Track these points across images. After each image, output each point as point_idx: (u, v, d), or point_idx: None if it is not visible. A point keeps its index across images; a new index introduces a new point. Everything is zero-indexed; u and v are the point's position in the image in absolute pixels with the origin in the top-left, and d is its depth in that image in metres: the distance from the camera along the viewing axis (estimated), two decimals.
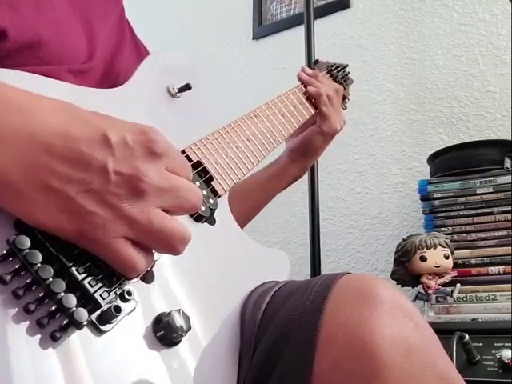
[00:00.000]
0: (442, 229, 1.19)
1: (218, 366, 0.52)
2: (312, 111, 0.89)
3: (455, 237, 1.17)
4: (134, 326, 0.46)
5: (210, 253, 0.59)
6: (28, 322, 0.39)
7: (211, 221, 0.61)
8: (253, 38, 1.88)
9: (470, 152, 1.23)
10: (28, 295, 0.39)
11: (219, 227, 0.62)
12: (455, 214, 1.19)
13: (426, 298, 1.07)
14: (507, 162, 1.18)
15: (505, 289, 1.07)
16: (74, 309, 0.41)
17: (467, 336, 0.87)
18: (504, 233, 1.13)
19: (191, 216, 0.58)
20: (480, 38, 1.47)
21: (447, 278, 1.09)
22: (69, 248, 0.42)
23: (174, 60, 0.70)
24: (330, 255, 1.56)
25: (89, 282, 0.42)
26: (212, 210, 0.62)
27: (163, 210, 0.42)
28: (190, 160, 0.62)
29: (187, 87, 0.66)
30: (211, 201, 0.62)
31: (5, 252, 0.40)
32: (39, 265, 0.40)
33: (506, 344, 0.87)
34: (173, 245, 0.43)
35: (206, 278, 0.56)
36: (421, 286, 1.09)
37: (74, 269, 0.42)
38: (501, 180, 1.16)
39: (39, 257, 0.40)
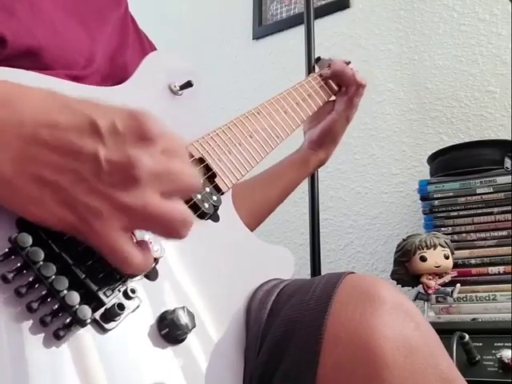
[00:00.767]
0: (442, 229, 1.19)
1: (224, 363, 0.52)
2: (315, 108, 0.89)
3: (455, 237, 1.17)
4: (138, 323, 0.46)
5: (214, 250, 0.59)
6: (31, 321, 0.39)
7: (215, 218, 0.61)
8: (253, 38, 1.88)
9: (469, 152, 1.23)
10: (31, 293, 0.39)
11: (223, 224, 0.62)
12: (455, 214, 1.19)
13: (426, 298, 1.07)
14: (507, 162, 1.18)
15: (505, 289, 1.07)
16: (77, 307, 0.40)
17: (467, 336, 0.87)
18: (504, 233, 1.13)
19: (195, 213, 0.58)
20: (480, 38, 1.47)
21: (447, 278, 1.08)
22: (71, 246, 0.42)
23: (175, 59, 0.70)
24: (329, 255, 1.56)
25: (92, 280, 0.42)
26: (215, 207, 0.62)
27: (161, 195, 0.41)
28: (192, 157, 0.62)
29: (189, 84, 0.66)
30: (214, 198, 0.62)
31: (7, 250, 0.40)
32: (41, 263, 0.40)
33: (505, 344, 0.87)
34: (174, 228, 0.41)
35: (210, 275, 0.56)
36: (421, 286, 1.09)
37: (76, 267, 0.42)
38: (501, 180, 1.16)
39: (41, 255, 0.40)
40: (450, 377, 0.47)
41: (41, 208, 0.38)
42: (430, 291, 1.07)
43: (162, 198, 0.41)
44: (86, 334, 0.42)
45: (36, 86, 0.41)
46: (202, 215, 0.59)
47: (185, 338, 0.48)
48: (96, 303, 0.42)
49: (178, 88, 0.66)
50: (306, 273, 1.36)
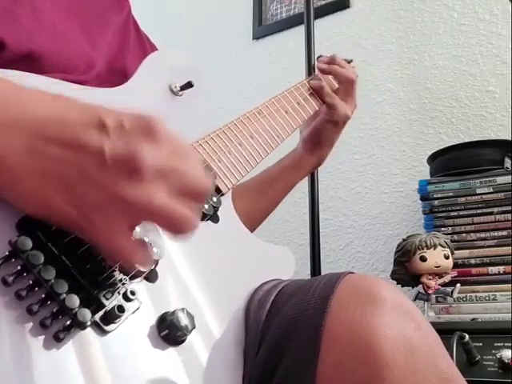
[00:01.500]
0: (442, 229, 1.19)
1: (224, 363, 0.52)
2: (316, 107, 0.88)
3: (455, 237, 1.17)
4: (138, 325, 0.46)
5: (214, 251, 0.59)
6: (31, 323, 0.39)
7: (215, 219, 0.62)
8: (253, 38, 1.88)
9: (469, 152, 1.23)
10: (31, 296, 0.39)
11: (223, 225, 0.62)
12: (455, 214, 1.19)
13: (426, 298, 1.07)
14: (507, 162, 1.18)
15: (505, 289, 1.07)
16: (77, 309, 0.41)
17: (467, 336, 0.87)
18: (504, 233, 1.13)
19: None
20: (480, 38, 1.47)
21: (447, 278, 1.09)
22: (71, 249, 0.42)
23: (176, 59, 0.70)
24: (329, 255, 1.56)
25: (91, 283, 0.42)
26: (215, 208, 0.62)
27: (169, 194, 0.40)
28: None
29: (189, 85, 0.66)
30: (214, 199, 0.62)
31: (7, 253, 0.40)
32: (41, 266, 0.40)
33: (506, 344, 0.87)
34: (177, 227, 0.41)
35: (210, 276, 0.56)
36: (421, 285, 1.09)
37: (76, 270, 0.42)
38: (501, 180, 1.16)
39: (41, 258, 0.40)
40: (450, 376, 0.47)
41: (43, 202, 0.39)
42: (430, 291, 1.07)
43: (170, 196, 0.40)
44: (87, 336, 0.42)
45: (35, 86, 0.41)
46: (202, 216, 0.59)
47: (185, 340, 0.48)
48: (96, 306, 0.42)
49: (179, 89, 0.66)
50: (305, 273, 1.36)
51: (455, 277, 1.10)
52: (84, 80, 0.61)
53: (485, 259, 1.13)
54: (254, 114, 0.75)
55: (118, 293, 0.44)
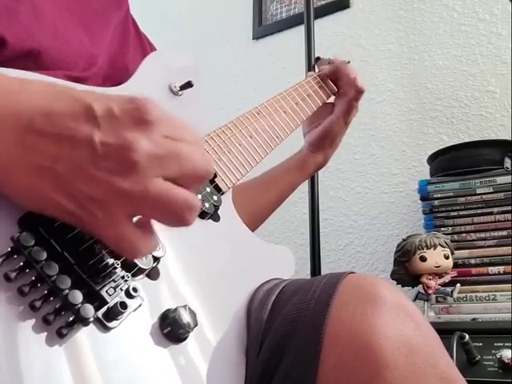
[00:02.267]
0: (442, 229, 1.19)
1: (226, 361, 0.52)
2: (314, 108, 0.89)
3: (455, 237, 1.17)
4: (141, 322, 0.46)
5: (215, 249, 0.59)
6: (34, 320, 0.39)
7: (215, 217, 0.62)
8: (253, 38, 1.88)
9: (470, 152, 1.23)
10: (33, 292, 0.39)
11: (224, 224, 0.62)
12: (455, 214, 1.19)
13: (426, 298, 1.07)
14: (507, 162, 1.18)
15: (505, 289, 1.07)
16: (80, 305, 0.41)
17: (467, 336, 0.87)
18: (504, 233, 1.13)
19: None
20: (480, 38, 1.47)
21: (447, 278, 1.09)
22: (73, 245, 0.42)
23: (175, 58, 0.70)
24: (329, 255, 1.56)
25: (94, 279, 0.42)
26: (216, 207, 0.62)
27: (166, 180, 0.39)
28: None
29: (189, 85, 0.66)
30: (215, 197, 0.62)
31: (9, 249, 0.40)
32: (44, 262, 0.40)
33: (506, 344, 0.87)
34: (178, 213, 0.39)
35: (211, 275, 0.56)
36: (421, 285, 1.09)
37: (78, 266, 0.42)
38: (501, 180, 1.16)
39: (44, 254, 0.40)
40: (450, 377, 0.47)
41: (40, 197, 0.38)
42: (430, 291, 1.07)
43: (168, 183, 0.39)
44: (89, 332, 0.42)
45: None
46: (203, 215, 0.60)
47: (187, 337, 0.48)
48: (99, 302, 0.42)
49: (178, 88, 0.66)
50: (305, 273, 1.36)
51: (455, 277, 1.10)
52: (85, 76, 0.61)
53: (485, 259, 1.13)
54: (253, 114, 0.75)
55: (121, 289, 0.44)
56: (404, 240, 1.12)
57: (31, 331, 0.39)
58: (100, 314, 0.42)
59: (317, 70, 0.99)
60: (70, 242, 0.42)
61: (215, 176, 0.64)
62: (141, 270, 0.47)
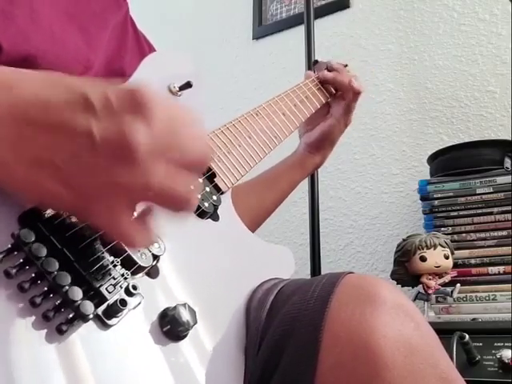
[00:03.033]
0: (442, 229, 1.19)
1: (225, 359, 0.52)
2: (312, 110, 0.89)
3: (455, 237, 1.17)
4: (140, 320, 0.46)
5: (215, 249, 0.60)
6: (34, 316, 0.39)
7: (215, 217, 0.62)
8: (253, 38, 1.88)
9: (470, 152, 1.23)
10: (33, 289, 0.40)
11: (223, 223, 0.62)
12: (455, 214, 1.19)
13: (425, 298, 1.07)
14: (507, 162, 1.18)
15: (505, 289, 1.07)
16: (80, 302, 0.41)
17: (467, 336, 0.87)
18: (504, 233, 1.13)
19: (195, 212, 0.59)
20: (480, 38, 1.47)
21: (447, 278, 1.08)
22: (73, 242, 0.42)
23: (174, 59, 0.70)
24: (329, 255, 1.56)
25: (94, 276, 0.42)
26: (215, 207, 0.62)
27: (167, 169, 0.38)
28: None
29: (188, 85, 0.66)
30: (214, 197, 0.62)
31: (10, 246, 0.40)
32: (44, 258, 0.40)
33: (506, 344, 0.87)
34: (177, 203, 0.39)
35: (210, 274, 0.56)
36: (421, 285, 1.09)
37: (78, 263, 0.42)
38: (501, 180, 1.15)
39: (44, 250, 0.40)
40: (450, 377, 0.47)
41: (40, 189, 0.38)
42: (430, 291, 1.07)
43: (168, 172, 0.38)
44: (89, 329, 0.42)
45: None
46: (202, 214, 0.60)
47: (186, 335, 0.48)
48: (98, 299, 0.42)
49: (178, 89, 0.66)
50: (305, 273, 1.36)
51: (455, 277, 1.10)
52: None
53: (485, 259, 1.13)
54: (252, 115, 0.76)
55: (120, 287, 0.44)
56: (404, 240, 1.12)
57: (31, 327, 0.39)
58: (100, 311, 0.42)
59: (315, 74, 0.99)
60: (70, 239, 0.42)
61: (215, 176, 0.64)
62: (140, 268, 0.47)
